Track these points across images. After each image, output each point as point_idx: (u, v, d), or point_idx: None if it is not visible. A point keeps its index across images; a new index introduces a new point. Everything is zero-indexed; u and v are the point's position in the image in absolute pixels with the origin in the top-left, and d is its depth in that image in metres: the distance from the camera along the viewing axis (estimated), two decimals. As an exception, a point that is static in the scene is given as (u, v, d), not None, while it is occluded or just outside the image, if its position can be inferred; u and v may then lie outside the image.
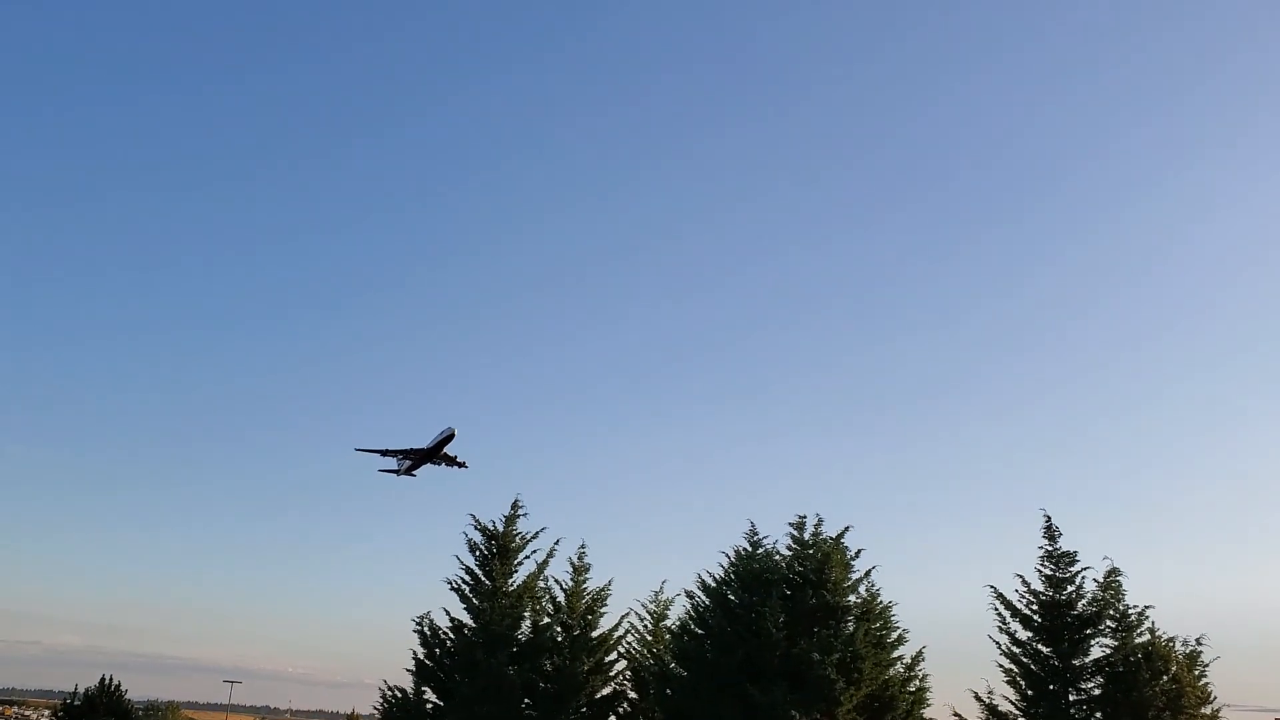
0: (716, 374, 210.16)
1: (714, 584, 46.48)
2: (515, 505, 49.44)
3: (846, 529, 46.26)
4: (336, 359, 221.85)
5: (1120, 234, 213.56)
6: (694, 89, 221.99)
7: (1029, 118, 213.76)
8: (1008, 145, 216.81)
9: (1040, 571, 43.32)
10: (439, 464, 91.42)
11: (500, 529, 48.83)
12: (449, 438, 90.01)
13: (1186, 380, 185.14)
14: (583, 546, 50.19)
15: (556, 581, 49.20)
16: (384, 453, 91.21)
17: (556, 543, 49.15)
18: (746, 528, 47.24)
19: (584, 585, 49.30)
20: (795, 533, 46.43)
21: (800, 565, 45.44)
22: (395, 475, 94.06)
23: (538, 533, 49.11)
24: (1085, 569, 42.69)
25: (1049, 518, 43.53)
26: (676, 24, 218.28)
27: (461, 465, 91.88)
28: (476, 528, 48.93)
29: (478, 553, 48.56)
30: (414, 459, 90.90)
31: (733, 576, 46.04)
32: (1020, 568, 43.73)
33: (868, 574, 45.86)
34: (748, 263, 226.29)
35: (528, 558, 48.81)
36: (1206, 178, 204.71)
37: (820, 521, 46.53)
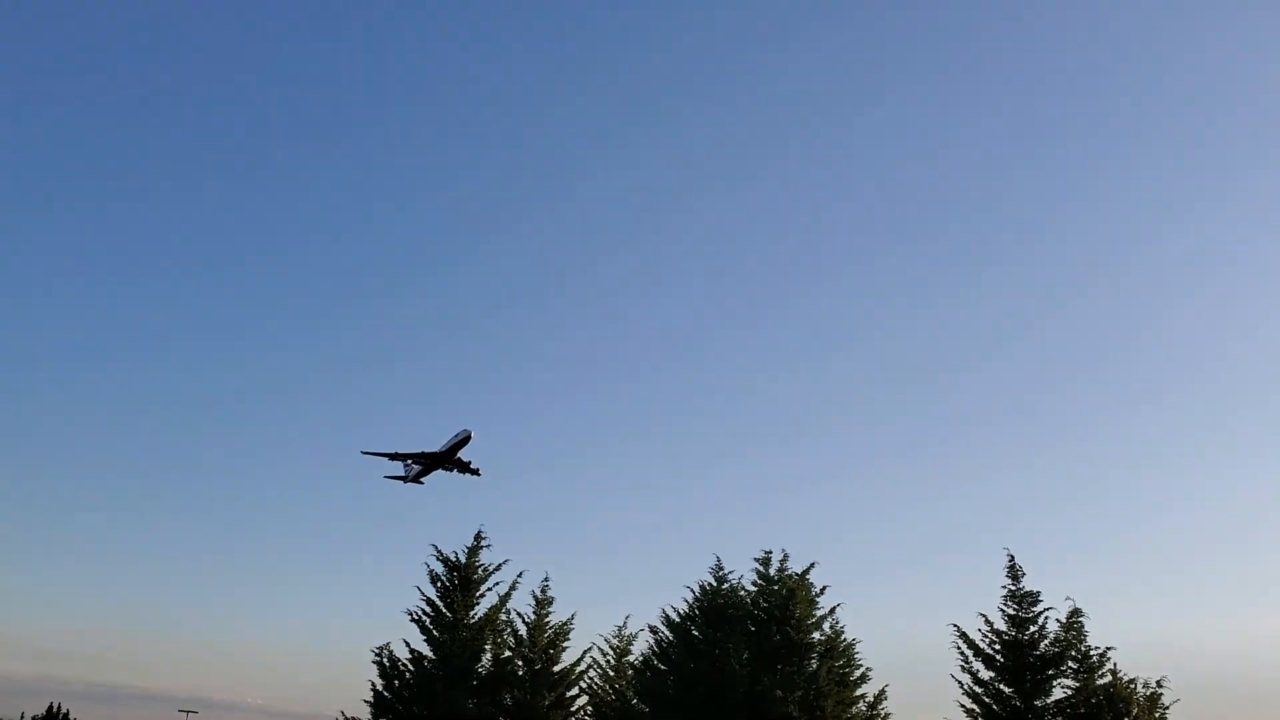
0: (685, 396, 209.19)
1: (678, 619, 46.17)
2: (479, 536, 48.97)
3: (812, 565, 46.26)
4: (295, 383, 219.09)
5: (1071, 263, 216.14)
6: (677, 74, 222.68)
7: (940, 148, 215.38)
8: (1000, 188, 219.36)
9: (1003, 611, 43.31)
10: (451, 470, 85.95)
11: (463, 560, 48.24)
12: (464, 440, 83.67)
13: (1151, 420, 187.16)
14: (546, 580, 49.84)
15: (519, 614, 48.79)
16: (393, 456, 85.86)
17: (520, 575, 48.76)
18: (712, 562, 47.11)
19: (547, 619, 48.84)
20: (761, 568, 46.30)
21: (765, 601, 45.27)
22: (402, 481, 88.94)
23: (501, 565, 48.65)
24: (1048, 609, 42.75)
25: (1012, 557, 43.64)
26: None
27: (475, 472, 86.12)
28: (438, 558, 48.36)
29: (439, 584, 47.92)
30: (425, 463, 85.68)
31: (697, 612, 45.77)
32: (984, 606, 43.72)
33: (832, 611, 45.82)
34: (728, 317, 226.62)
35: (490, 590, 48.31)
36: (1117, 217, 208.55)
37: (786, 557, 46.50)
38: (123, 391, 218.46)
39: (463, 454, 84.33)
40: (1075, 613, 42.54)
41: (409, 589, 48.31)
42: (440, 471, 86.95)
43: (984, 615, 43.49)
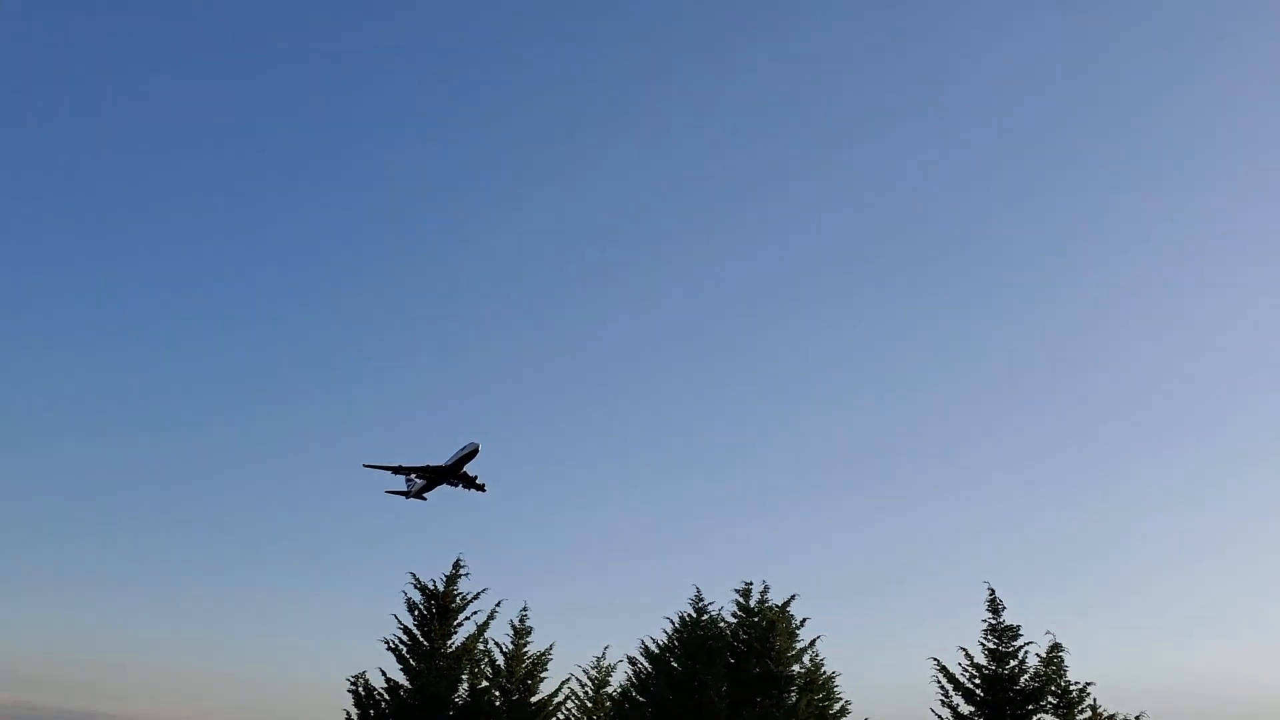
0: (668, 430, 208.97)
1: (657, 650, 45.89)
2: (457, 565, 48.37)
3: (793, 597, 46.12)
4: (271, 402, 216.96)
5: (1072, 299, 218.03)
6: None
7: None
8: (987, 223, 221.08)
9: (983, 645, 43.17)
10: (456, 485, 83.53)
11: (440, 588, 47.73)
12: (471, 454, 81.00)
13: (1131, 453, 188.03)
14: (525, 609, 49.35)
15: (497, 644, 48.24)
16: (395, 470, 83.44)
17: (498, 604, 48.16)
18: (692, 593, 46.93)
19: (525, 649, 48.36)
20: (741, 599, 46.12)
21: (745, 633, 45.05)
22: (404, 497, 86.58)
23: (479, 593, 48.03)
24: (1028, 643, 42.63)
25: (992, 590, 43.53)
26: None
27: (480, 488, 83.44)
28: (416, 586, 47.78)
29: (416, 612, 47.35)
30: (429, 478, 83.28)
31: (676, 643, 45.51)
32: (964, 640, 43.57)
33: (812, 643, 45.67)
34: (699, 330, 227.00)
35: (468, 619, 47.67)
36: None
37: (766, 589, 46.36)
38: (92, 405, 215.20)
39: (469, 468, 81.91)
40: (1055, 647, 42.44)
41: (385, 617, 47.80)
42: (444, 487, 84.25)
43: (964, 649, 43.35)
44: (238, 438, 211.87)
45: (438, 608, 47.37)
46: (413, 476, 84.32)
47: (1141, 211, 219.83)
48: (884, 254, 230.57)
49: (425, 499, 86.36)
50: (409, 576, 47.96)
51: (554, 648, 48.88)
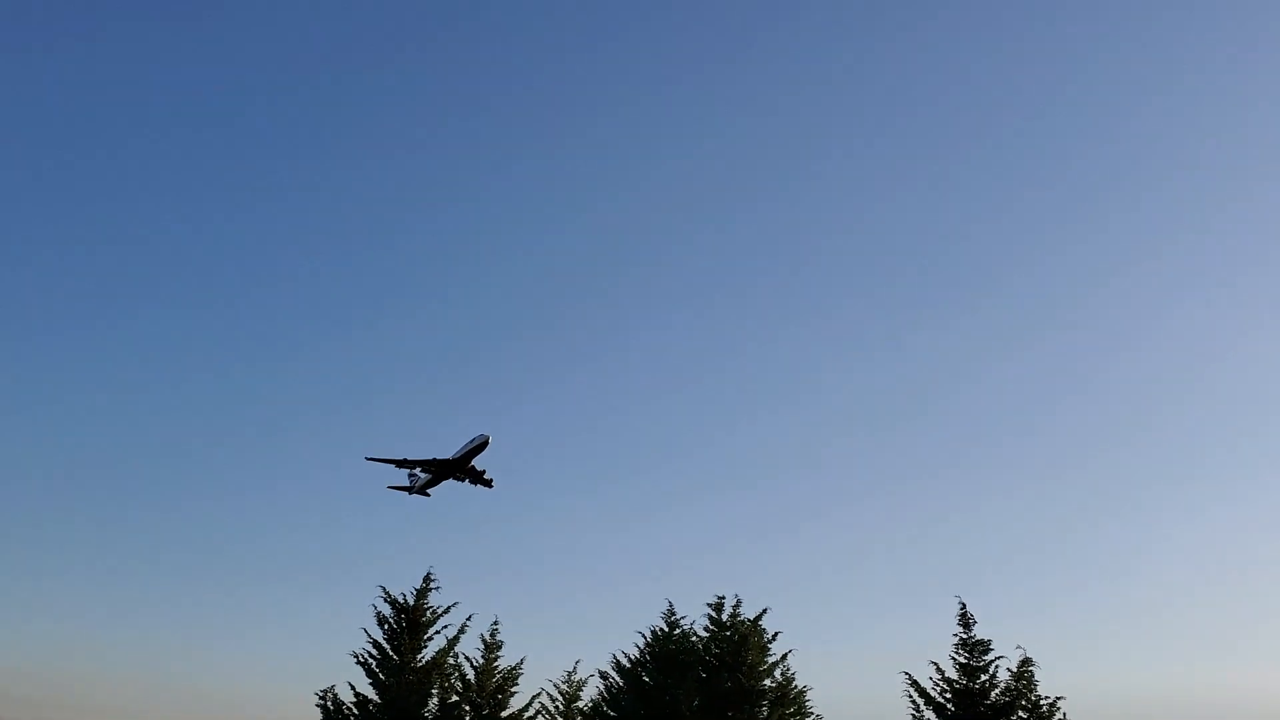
0: (639, 443, 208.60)
1: (629, 665, 45.72)
2: (428, 578, 48.03)
3: (764, 611, 46.15)
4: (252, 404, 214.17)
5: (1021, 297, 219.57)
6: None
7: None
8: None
9: (954, 659, 43.21)
10: (463, 480, 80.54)
11: (411, 602, 47.35)
12: (480, 447, 77.84)
13: (1099, 467, 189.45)
14: (496, 623, 49.03)
15: (467, 659, 47.92)
16: (399, 463, 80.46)
17: (469, 618, 47.82)
18: (664, 607, 46.83)
19: (495, 663, 48.04)
20: (713, 614, 46.10)
21: (717, 647, 44.98)
22: (407, 493, 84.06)
23: (450, 607, 47.68)
24: (999, 658, 42.72)
25: (964, 605, 43.61)
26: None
27: (488, 483, 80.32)
28: (386, 600, 47.37)
29: (386, 626, 46.92)
30: (434, 472, 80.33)
31: (648, 657, 45.37)
32: (936, 655, 43.60)
33: (784, 658, 45.64)
34: (674, 343, 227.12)
35: (438, 633, 47.29)
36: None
37: (739, 603, 46.39)
38: (49, 407, 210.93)
39: (477, 461, 79.25)
40: (1026, 662, 42.52)
41: (355, 630, 47.36)
42: (450, 482, 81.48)
43: (935, 663, 43.37)
44: (204, 442, 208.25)
45: (408, 621, 46.98)
46: (417, 471, 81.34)
47: (1097, 208, 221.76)
48: (866, 262, 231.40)
49: (429, 495, 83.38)
50: (379, 590, 47.61)
51: (525, 662, 48.63)
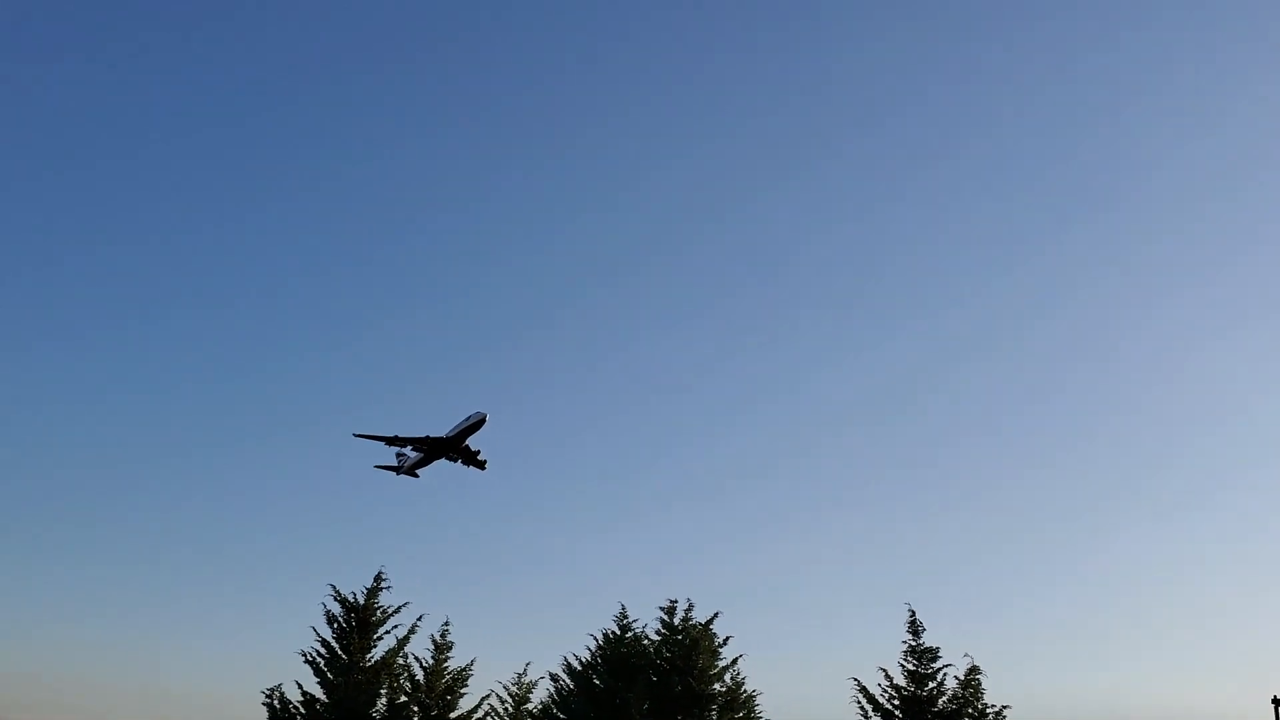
0: (595, 447, 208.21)
1: (580, 667, 45.73)
2: (379, 577, 47.73)
3: (716, 615, 46.31)
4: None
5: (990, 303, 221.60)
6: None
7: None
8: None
9: (903, 666, 43.62)
10: (455, 460, 77.23)
11: (361, 601, 47.03)
12: (476, 425, 74.40)
13: (1051, 475, 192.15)
14: (447, 624, 48.70)
15: (417, 659, 47.56)
16: (390, 441, 77.23)
17: (420, 618, 47.51)
18: (617, 610, 46.91)
19: (445, 664, 47.73)
20: (665, 617, 46.29)
21: (668, 651, 45.13)
22: (395, 473, 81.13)
23: (400, 607, 47.40)
24: (947, 665, 43.19)
25: (913, 611, 44.04)
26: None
27: (481, 465, 77.16)
28: (336, 598, 47.02)
29: (335, 625, 46.58)
30: (426, 451, 77.15)
31: (599, 660, 45.42)
32: (885, 661, 43.97)
33: (734, 662, 45.81)
34: (617, 348, 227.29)
35: (388, 632, 47.00)
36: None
37: (691, 607, 46.56)
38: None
39: (472, 441, 76.12)
40: (973, 670, 43.03)
41: (303, 629, 46.94)
42: (442, 463, 78.43)
43: (884, 670, 43.75)
44: (145, 436, 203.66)
45: (358, 620, 46.68)
46: (407, 450, 78.73)
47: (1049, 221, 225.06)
48: (821, 275, 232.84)
49: (418, 476, 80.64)
50: (329, 588, 47.26)
51: (475, 663, 48.38)
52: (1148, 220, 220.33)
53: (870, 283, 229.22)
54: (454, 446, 76.08)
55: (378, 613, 47.02)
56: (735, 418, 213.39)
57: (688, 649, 44.65)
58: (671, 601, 46.61)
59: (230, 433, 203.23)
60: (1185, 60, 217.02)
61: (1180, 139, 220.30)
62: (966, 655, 43.20)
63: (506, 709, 50.83)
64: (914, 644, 43.70)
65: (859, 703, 43.66)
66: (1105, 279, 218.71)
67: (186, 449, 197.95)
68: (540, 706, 47.89)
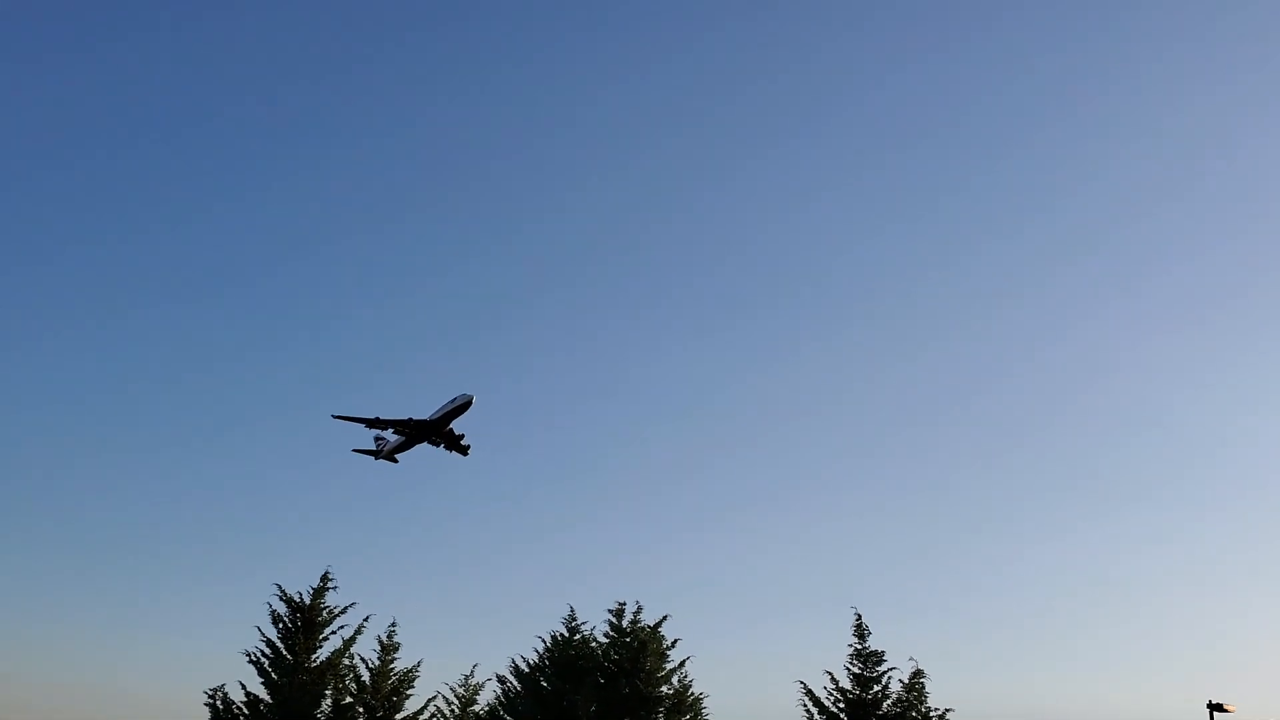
0: (541, 446, 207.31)
1: (527, 669, 45.65)
2: (325, 577, 47.30)
3: (664, 618, 46.45)
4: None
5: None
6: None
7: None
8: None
9: (849, 669, 43.97)
10: (437, 444, 75.80)
11: (307, 601, 46.57)
12: (463, 406, 72.63)
13: (999, 478, 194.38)
14: (393, 625, 48.38)
15: (363, 660, 47.25)
16: (370, 423, 75.25)
17: (366, 619, 47.22)
18: (566, 612, 46.90)
19: (392, 665, 47.45)
20: (614, 620, 46.32)
21: (616, 653, 45.17)
22: (374, 457, 79.43)
23: (347, 608, 47.07)
24: (892, 669, 43.59)
25: (859, 615, 44.42)
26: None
27: (464, 450, 75.55)
28: (281, 598, 46.53)
29: (281, 625, 46.09)
30: (408, 434, 75.43)
31: (547, 662, 45.36)
32: (831, 664, 44.29)
33: (682, 664, 45.95)
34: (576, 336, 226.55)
35: (334, 633, 46.61)
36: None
37: (640, 609, 46.67)
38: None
39: (456, 425, 74.58)
40: (918, 673, 43.49)
41: (248, 628, 46.42)
42: (424, 447, 77.06)
43: (830, 673, 44.07)
44: (81, 425, 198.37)
45: (303, 620, 46.24)
46: (387, 433, 77.32)
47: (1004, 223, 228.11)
48: (771, 275, 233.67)
49: (397, 461, 79.00)
50: (274, 587, 46.76)
51: (421, 665, 48.14)
52: (1097, 218, 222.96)
53: (810, 278, 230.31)
54: (437, 430, 74.69)
55: (324, 613, 46.63)
56: (682, 421, 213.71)
57: (636, 651, 44.72)
58: (620, 604, 46.71)
59: (189, 427, 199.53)
60: (1125, 69, 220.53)
61: (1128, 141, 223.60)
62: (911, 659, 43.69)
63: (453, 710, 50.56)
64: (859, 647, 44.08)
65: (805, 706, 43.95)
66: (1052, 278, 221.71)
67: (129, 444, 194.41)
68: (487, 709, 47.72)
